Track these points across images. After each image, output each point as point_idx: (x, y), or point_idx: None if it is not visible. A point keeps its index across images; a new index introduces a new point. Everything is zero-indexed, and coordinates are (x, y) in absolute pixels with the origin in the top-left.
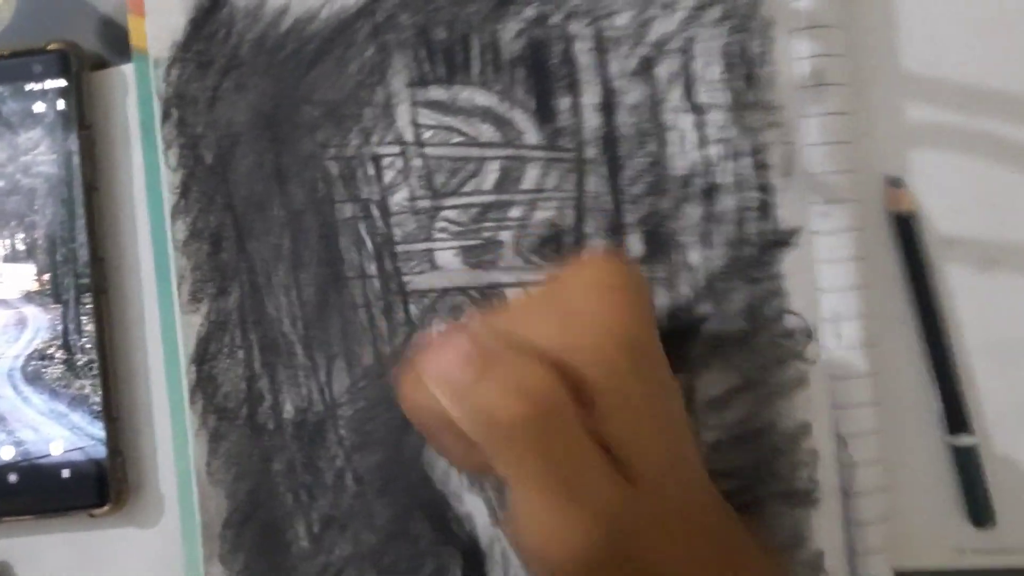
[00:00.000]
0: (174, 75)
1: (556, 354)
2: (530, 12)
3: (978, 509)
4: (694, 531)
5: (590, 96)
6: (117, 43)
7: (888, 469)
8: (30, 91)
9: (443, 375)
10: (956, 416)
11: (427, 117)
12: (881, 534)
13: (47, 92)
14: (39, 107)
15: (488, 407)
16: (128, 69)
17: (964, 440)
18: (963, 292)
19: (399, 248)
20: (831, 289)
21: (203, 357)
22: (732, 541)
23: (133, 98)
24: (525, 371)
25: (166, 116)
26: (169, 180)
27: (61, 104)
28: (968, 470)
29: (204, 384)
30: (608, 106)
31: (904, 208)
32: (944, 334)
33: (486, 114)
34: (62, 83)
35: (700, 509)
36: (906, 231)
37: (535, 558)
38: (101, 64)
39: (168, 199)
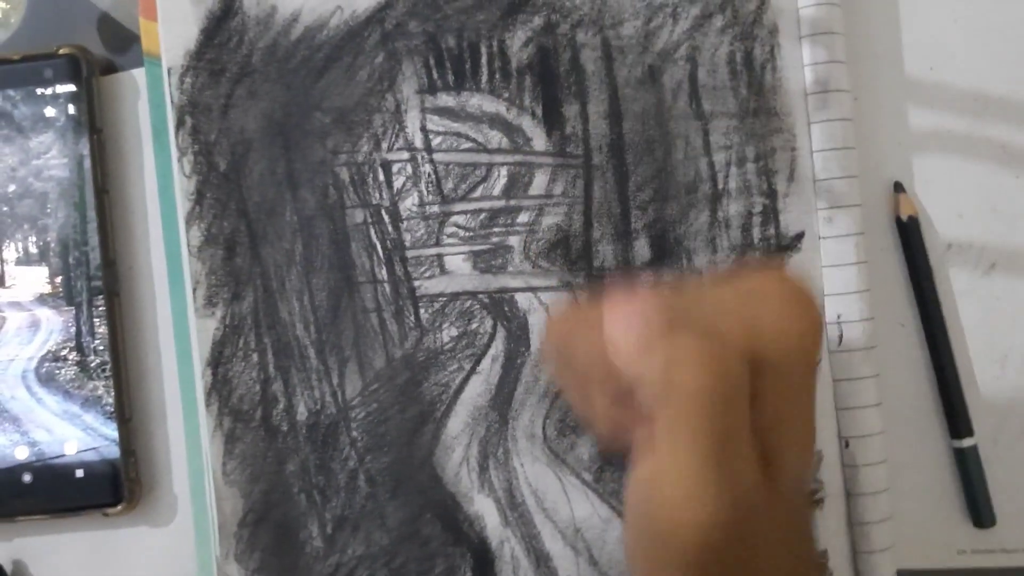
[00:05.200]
0: (187, 83)
1: (738, 342)
2: (538, 21)
3: (979, 510)
4: (791, 538)
5: (597, 103)
6: (127, 48)
7: (891, 470)
8: (41, 95)
9: (631, 324)
10: (957, 419)
11: (436, 124)
12: (884, 534)
13: (58, 96)
14: (50, 111)
15: (672, 365)
16: (139, 73)
17: (965, 442)
18: (965, 296)
19: (409, 253)
20: (835, 293)
21: (218, 360)
22: (806, 550)
23: (144, 102)
24: (714, 342)
25: (180, 124)
26: (184, 187)
27: (72, 108)
28: (969, 472)
29: (219, 386)
30: (615, 113)
31: (907, 213)
32: (946, 337)
33: (494, 121)
34: (72, 88)
35: (801, 518)
36: (909, 235)
37: (665, 522)
38: (111, 68)
39: (183, 205)
